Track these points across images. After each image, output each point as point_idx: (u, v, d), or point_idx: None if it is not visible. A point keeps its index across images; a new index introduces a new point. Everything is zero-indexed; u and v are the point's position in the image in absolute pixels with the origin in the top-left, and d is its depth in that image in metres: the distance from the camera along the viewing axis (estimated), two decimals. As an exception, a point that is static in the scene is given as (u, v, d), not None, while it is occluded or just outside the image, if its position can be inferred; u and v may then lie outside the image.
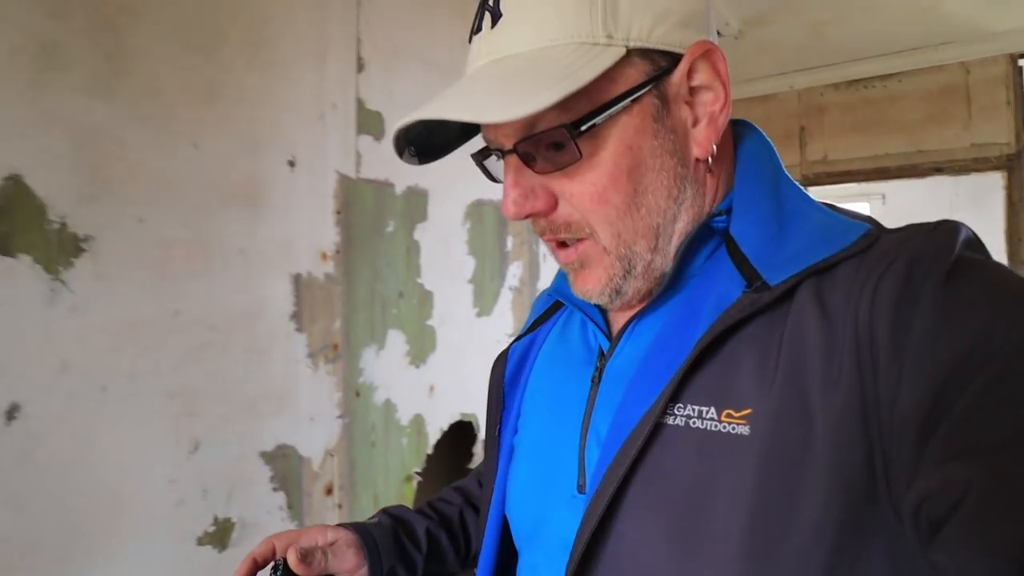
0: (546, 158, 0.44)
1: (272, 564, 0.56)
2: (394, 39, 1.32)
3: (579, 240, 0.47)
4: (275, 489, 1.07)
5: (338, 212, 1.18)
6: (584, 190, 0.44)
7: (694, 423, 0.41)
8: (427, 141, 0.49)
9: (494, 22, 0.44)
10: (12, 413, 0.78)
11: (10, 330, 0.78)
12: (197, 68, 0.97)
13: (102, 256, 0.86)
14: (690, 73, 0.45)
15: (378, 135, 1.27)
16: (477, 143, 0.49)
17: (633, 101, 0.43)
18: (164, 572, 0.92)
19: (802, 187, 0.48)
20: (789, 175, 0.49)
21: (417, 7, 1.38)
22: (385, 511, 0.66)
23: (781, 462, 0.38)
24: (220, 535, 0.99)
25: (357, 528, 0.61)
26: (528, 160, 0.44)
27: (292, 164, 1.10)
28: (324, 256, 1.15)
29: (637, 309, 0.49)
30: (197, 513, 0.96)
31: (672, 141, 0.45)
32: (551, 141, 0.43)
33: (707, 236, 0.47)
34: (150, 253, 0.91)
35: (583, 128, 0.42)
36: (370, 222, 1.25)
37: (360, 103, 1.24)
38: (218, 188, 0.99)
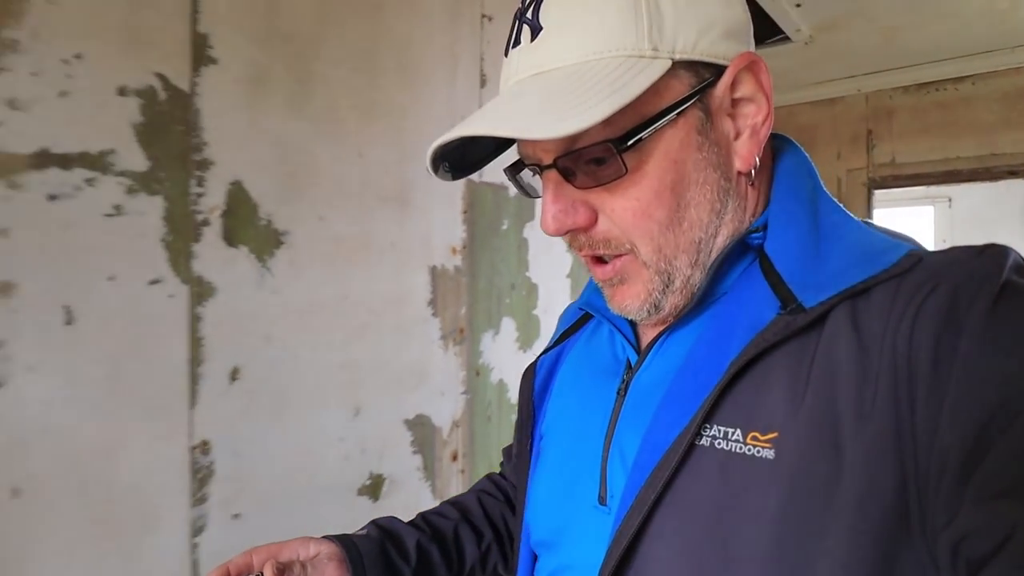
0: (588, 173, 0.43)
1: None
2: (507, 56, 1.47)
3: (617, 256, 0.46)
4: (414, 452, 1.24)
5: (465, 212, 1.34)
6: (627, 205, 0.43)
7: (719, 444, 0.40)
8: (461, 157, 0.48)
9: (533, 35, 0.43)
10: (234, 375, 0.96)
11: (233, 307, 0.95)
12: (362, 89, 1.13)
13: (294, 248, 1.03)
14: (733, 85, 0.44)
15: (493, 143, 1.42)
16: (509, 156, 0.49)
17: (678, 114, 0.42)
18: (332, 516, 1.09)
19: (840, 203, 0.47)
20: (827, 191, 0.47)
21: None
22: (375, 522, 0.63)
23: (807, 489, 0.37)
24: (374, 488, 1.16)
25: (341, 540, 0.59)
26: (568, 175, 0.43)
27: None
28: (454, 250, 1.31)
29: (668, 323, 0.48)
30: (358, 468, 1.13)
31: (716, 154, 0.44)
32: (594, 156, 0.42)
33: (741, 252, 0.46)
34: (327, 246, 1.08)
35: (629, 143, 0.41)
36: (488, 221, 1.41)
37: (479, 115, 1.39)
38: (376, 190, 1.16)
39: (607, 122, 0.39)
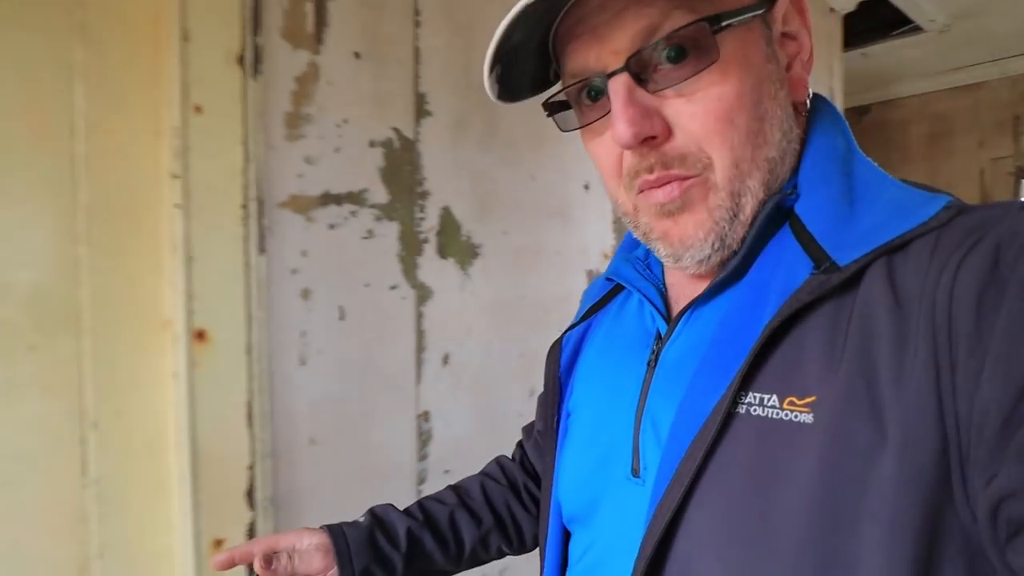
0: (665, 72, 0.41)
1: (248, 567, 0.59)
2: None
3: (686, 177, 0.43)
4: (576, 429, 1.45)
5: (614, 222, 1.53)
6: (708, 108, 0.41)
7: (755, 411, 0.39)
8: (515, 77, 0.47)
9: None
10: (446, 359, 1.21)
11: (444, 307, 1.21)
12: (533, 123, 1.36)
13: (485, 258, 1.27)
14: (784, 17, 0.43)
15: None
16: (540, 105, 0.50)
17: (753, 17, 0.41)
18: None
19: (877, 164, 0.44)
20: (861, 151, 0.45)
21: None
22: (371, 511, 0.66)
23: (847, 453, 0.36)
24: (545, 458, 1.38)
25: (331, 530, 0.61)
26: (641, 78, 0.41)
27: (587, 187, 1.46)
28: (605, 256, 1.51)
29: (699, 292, 0.47)
30: (533, 440, 1.36)
31: (779, 70, 0.43)
32: (681, 42, 0.40)
33: (773, 216, 0.44)
34: (509, 255, 1.31)
35: (723, 24, 0.39)
36: (633, 228, 1.59)
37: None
38: (544, 207, 1.38)
39: (689, 9, 0.39)
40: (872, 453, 0.35)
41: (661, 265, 0.55)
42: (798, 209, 0.43)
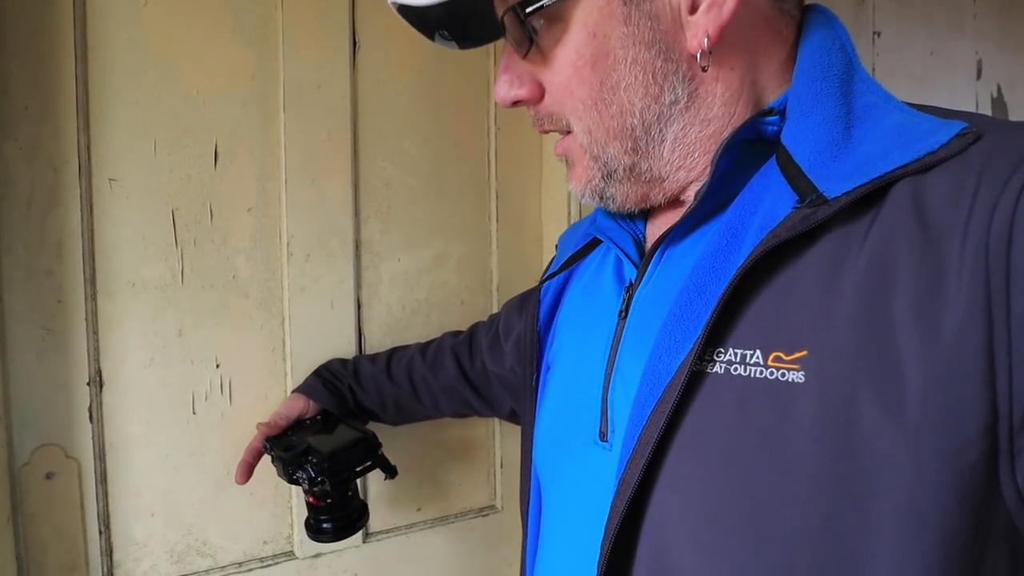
0: (515, 43, 0.40)
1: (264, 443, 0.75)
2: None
3: (567, 134, 0.44)
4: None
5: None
6: (555, 80, 0.41)
7: (736, 370, 0.34)
8: (463, 31, 0.42)
9: None
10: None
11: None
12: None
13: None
14: None
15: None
16: None
17: None
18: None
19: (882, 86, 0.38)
20: (866, 71, 0.39)
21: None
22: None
23: (847, 420, 0.30)
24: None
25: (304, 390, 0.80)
26: (519, 44, 0.40)
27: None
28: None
29: (667, 231, 0.43)
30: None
31: (651, 30, 0.38)
32: (507, 24, 0.39)
33: (754, 146, 0.39)
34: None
35: (529, 9, 0.38)
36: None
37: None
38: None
39: None
40: (882, 424, 0.30)
41: (646, 214, 0.50)
42: (784, 137, 0.38)
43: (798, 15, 0.42)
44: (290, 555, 0.88)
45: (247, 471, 0.74)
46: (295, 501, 0.87)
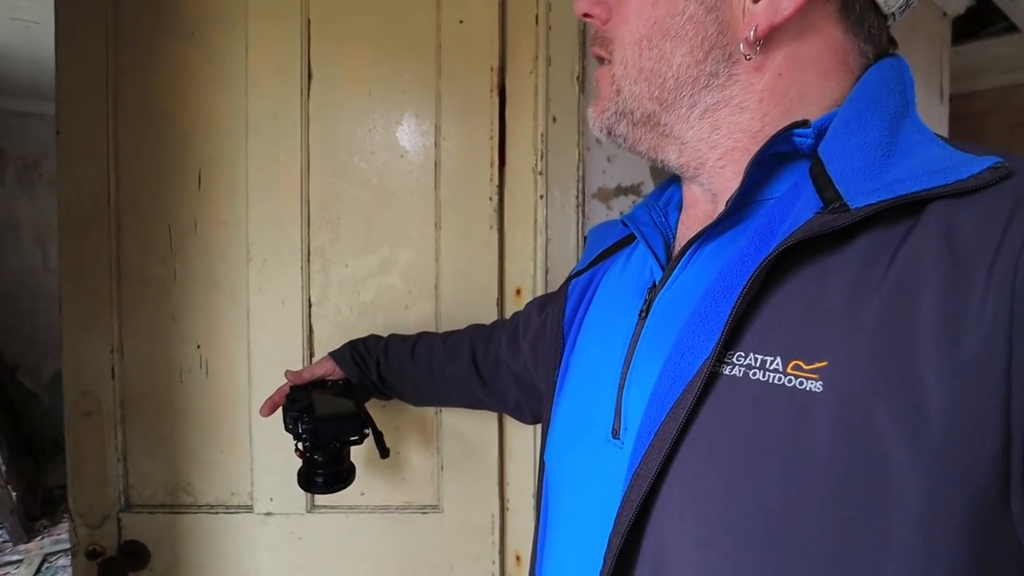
0: None
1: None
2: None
3: (607, 63, 0.46)
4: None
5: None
6: (620, 5, 0.44)
7: (754, 375, 0.35)
8: None
9: None
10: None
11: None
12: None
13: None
14: None
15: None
16: None
17: None
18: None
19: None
20: (920, 118, 0.39)
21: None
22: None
23: (863, 434, 0.31)
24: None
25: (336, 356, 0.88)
26: None
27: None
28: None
29: (696, 235, 0.43)
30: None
31: (717, 2, 0.41)
32: None
33: (790, 158, 0.41)
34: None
35: None
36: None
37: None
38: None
39: None
40: (898, 440, 0.29)
41: (679, 213, 0.52)
42: (821, 151, 0.39)
43: (872, 56, 0.43)
44: (248, 508, 1.06)
45: (271, 407, 0.85)
46: (255, 464, 1.05)
